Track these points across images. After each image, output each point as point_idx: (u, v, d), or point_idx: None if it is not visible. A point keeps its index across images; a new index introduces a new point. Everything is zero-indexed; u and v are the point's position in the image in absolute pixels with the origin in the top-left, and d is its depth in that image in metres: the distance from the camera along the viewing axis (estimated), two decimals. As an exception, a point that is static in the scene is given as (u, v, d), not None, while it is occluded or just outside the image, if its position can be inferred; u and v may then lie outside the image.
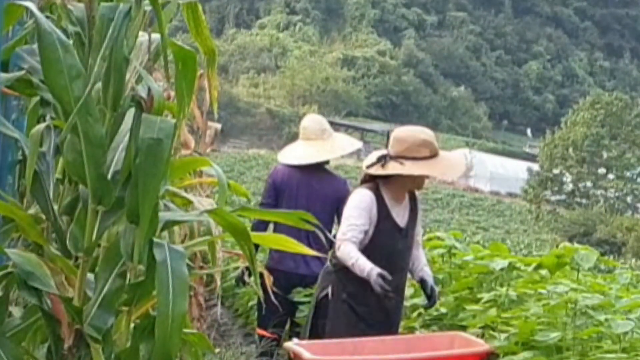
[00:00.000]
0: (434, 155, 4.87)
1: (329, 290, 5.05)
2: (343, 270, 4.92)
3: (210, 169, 2.85)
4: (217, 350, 6.14)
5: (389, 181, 4.93)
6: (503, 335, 4.66)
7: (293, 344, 4.36)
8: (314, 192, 6.01)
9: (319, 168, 6.11)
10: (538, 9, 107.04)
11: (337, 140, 6.26)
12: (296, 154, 6.17)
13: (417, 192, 5.14)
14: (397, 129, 5.12)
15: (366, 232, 4.90)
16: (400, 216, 4.99)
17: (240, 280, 6.45)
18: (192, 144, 5.51)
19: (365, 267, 4.75)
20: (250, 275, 6.20)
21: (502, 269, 5.45)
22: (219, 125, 6.11)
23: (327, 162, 6.21)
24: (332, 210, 5.97)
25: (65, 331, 2.49)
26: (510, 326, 4.73)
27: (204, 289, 5.90)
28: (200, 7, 2.69)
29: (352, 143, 6.50)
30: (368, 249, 4.86)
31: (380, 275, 4.69)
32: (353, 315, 4.94)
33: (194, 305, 5.63)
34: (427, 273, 5.10)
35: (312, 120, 6.31)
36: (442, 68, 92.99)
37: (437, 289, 5.12)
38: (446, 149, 5.22)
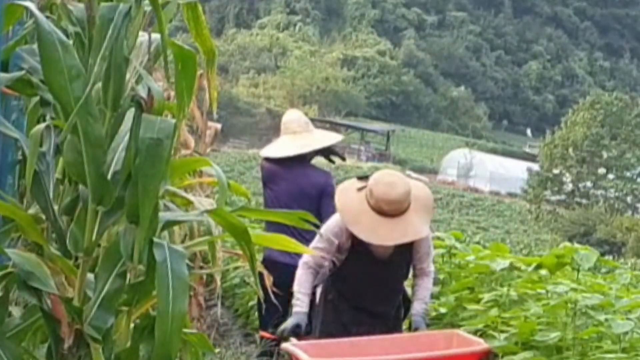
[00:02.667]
0: (402, 212, 4.64)
1: (319, 289, 5.06)
2: (334, 272, 4.92)
3: (210, 169, 2.85)
4: (217, 350, 6.13)
5: None
6: (503, 335, 4.66)
7: (290, 345, 4.33)
8: (297, 187, 6.03)
9: (302, 163, 6.12)
10: (538, 9, 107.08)
11: (318, 133, 6.33)
12: (279, 147, 6.19)
13: None
14: (381, 173, 4.89)
15: (337, 258, 4.84)
16: (380, 247, 4.76)
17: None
18: (192, 144, 5.52)
19: (296, 307, 4.77)
20: None
21: (502, 269, 5.45)
22: (219, 125, 6.11)
23: (311, 157, 6.22)
24: (318, 203, 5.98)
25: (65, 331, 2.49)
26: (510, 326, 4.73)
27: (204, 289, 5.90)
28: (200, 7, 2.69)
29: (334, 136, 6.57)
30: (340, 274, 4.81)
31: (294, 329, 4.67)
32: (336, 317, 4.92)
33: (194, 305, 5.63)
34: (417, 311, 4.88)
35: (293, 114, 6.35)
36: (442, 68, 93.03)
37: (424, 329, 4.88)
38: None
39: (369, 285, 4.85)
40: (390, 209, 4.60)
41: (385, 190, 4.62)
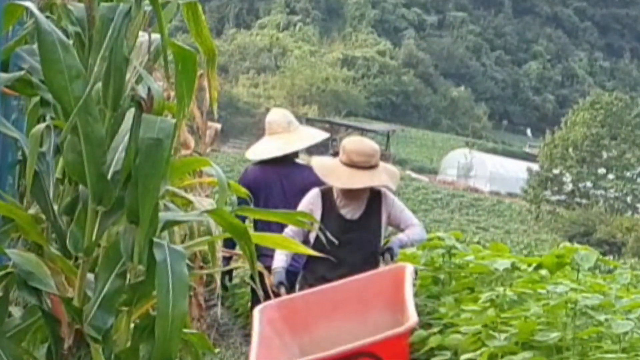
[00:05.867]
0: (370, 166, 5.32)
1: (297, 283, 5.49)
2: (307, 266, 5.40)
3: (210, 169, 2.85)
4: (217, 350, 6.14)
5: None
6: (503, 335, 4.66)
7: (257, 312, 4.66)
8: (289, 187, 5.98)
9: (289, 162, 6.08)
10: (538, 9, 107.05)
11: (304, 131, 6.30)
12: (264, 148, 6.13)
13: (383, 190, 5.48)
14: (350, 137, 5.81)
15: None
16: (350, 210, 5.43)
17: (222, 285, 6.17)
18: (192, 144, 5.53)
19: (274, 265, 5.24)
20: (230, 279, 6.33)
21: (502, 269, 5.44)
22: (219, 125, 6.11)
23: (296, 156, 6.19)
24: None
25: (65, 331, 2.49)
26: (510, 326, 4.73)
27: (204, 289, 5.90)
28: (200, 7, 2.69)
29: (319, 133, 6.57)
30: (316, 241, 5.07)
31: (278, 285, 5.17)
32: None
33: (194, 305, 5.63)
34: (397, 238, 5.47)
35: (277, 114, 6.30)
36: (442, 68, 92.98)
37: (397, 254, 5.41)
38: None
39: (343, 248, 5.02)
40: (360, 160, 5.30)
41: (355, 144, 5.46)
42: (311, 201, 5.43)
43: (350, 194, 5.39)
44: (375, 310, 4.72)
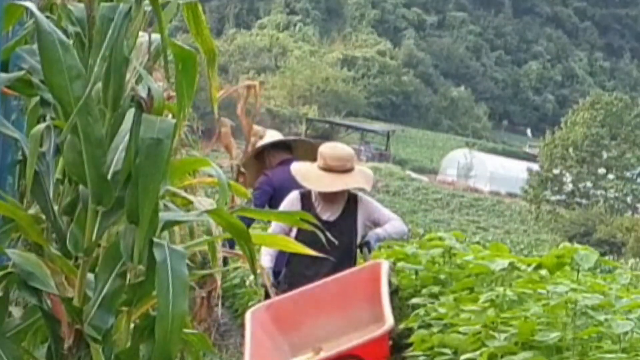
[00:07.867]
0: (346, 170, 5.64)
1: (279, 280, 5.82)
2: (288, 264, 5.69)
3: (210, 169, 2.85)
4: (217, 350, 6.13)
5: None
6: (503, 335, 4.66)
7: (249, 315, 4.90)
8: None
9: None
10: (538, 9, 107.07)
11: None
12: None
13: (359, 193, 5.82)
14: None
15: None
16: (327, 212, 5.75)
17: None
18: (234, 149, 6.07)
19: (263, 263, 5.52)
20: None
21: (502, 269, 5.44)
22: (229, 122, 6.44)
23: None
24: None
25: (65, 331, 2.49)
26: (510, 326, 4.73)
27: (205, 289, 5.92)
28: (200, 7, 2.69)
29: None
30: (295, 240, 5.25)
31: (273, 285, 5.38)
32: None
33: (204, 307, 5.66)
34: (374, 231, 5.74)
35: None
36: (442, 68, 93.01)
37: (374, 247, 5.71)
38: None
39: (322, 248, 5.18)
40: (335, 165, 5.63)
41: (331, 149, 5.80)
42: (291, 203, 5.75)
43: (328, 198, 5.70)
44: (356, 305, 4.96)
